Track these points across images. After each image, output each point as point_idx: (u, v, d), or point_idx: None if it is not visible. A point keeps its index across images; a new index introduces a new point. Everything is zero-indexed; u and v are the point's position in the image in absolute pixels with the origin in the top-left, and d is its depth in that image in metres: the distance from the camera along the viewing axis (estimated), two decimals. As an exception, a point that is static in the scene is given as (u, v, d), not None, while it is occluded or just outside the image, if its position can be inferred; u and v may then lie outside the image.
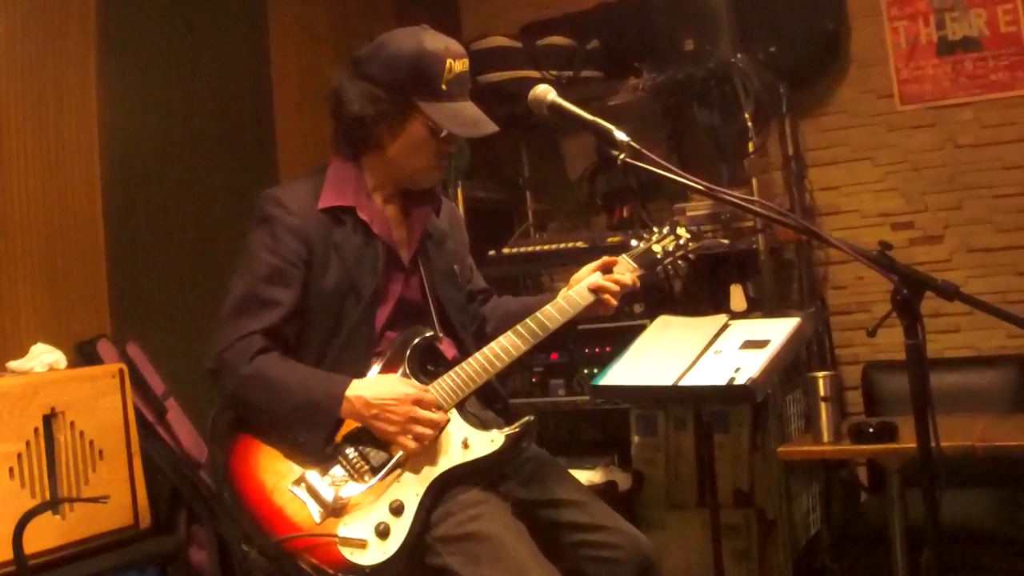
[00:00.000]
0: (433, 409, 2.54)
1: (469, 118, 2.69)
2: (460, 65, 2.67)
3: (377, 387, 2.55)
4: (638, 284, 2.89)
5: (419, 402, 2.53)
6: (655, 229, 3.09)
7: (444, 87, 2.63)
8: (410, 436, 2.50)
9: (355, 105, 2.65)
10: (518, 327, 2.73)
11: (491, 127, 2.71)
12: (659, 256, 3.01)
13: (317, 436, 2.52)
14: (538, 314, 2.76)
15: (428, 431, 2.52)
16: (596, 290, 2.82)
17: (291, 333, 2.66)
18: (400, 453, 2.53)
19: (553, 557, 2.52)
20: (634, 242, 3.05)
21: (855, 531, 4.46)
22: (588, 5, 5.47)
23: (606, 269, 2.87)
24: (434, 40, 2.66)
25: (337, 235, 2.68)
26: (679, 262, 3.10)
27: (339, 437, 2.55)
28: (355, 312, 2.67)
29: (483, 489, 2.57)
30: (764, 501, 4.40)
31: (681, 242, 3.06)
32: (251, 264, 2.65)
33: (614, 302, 2.83)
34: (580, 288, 2.83)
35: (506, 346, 2.70)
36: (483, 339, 2.78)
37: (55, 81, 3.96)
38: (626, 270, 2.89)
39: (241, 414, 2.60)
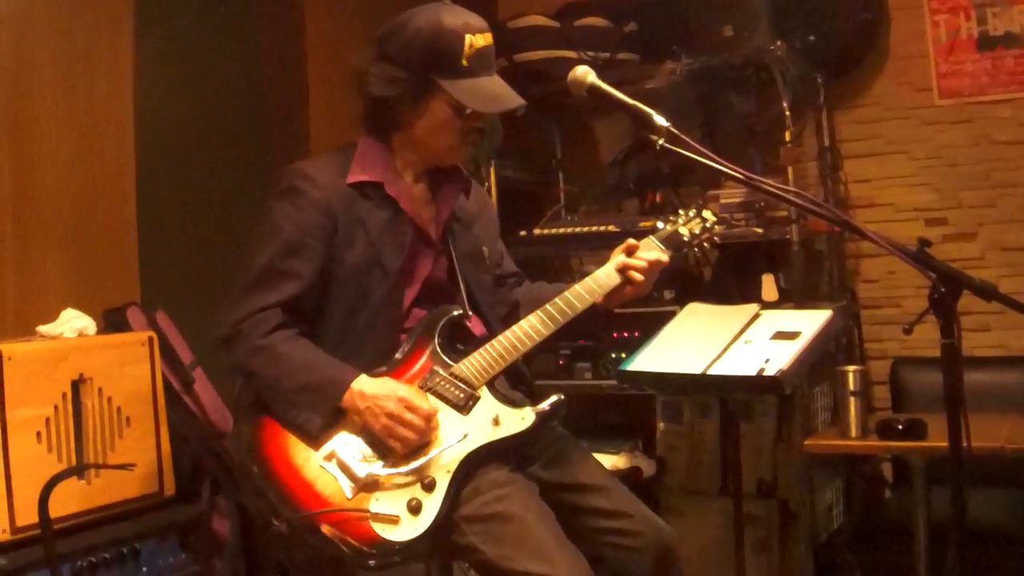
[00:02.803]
0: (420, 415, 2.51)
1: (492, 93, 2.67)
2: (482, 39, 2.64)
3: (376, 384, 2.56)
4: (665, 260, 2.87)
5: (407, 403, 2.51)
6: (681, 212, 3.09)
7: (465, 63, 2.61)
8: (391, 435, 2.50)
9: (377, 87, 2.65)
10: (547, 307, 2.73)
11: (516, 101, 2.69)
12: (686, 239, 3.02)
13: (314, 419, 2.53)
14: (567, 294, 2.77)
15: (409, 434, 2.50)
16: (622, 269, 2.82)
17: (309, 307, 2.67)
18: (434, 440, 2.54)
19: (574, 541, 2.51)
20: (660, 224, 3.04)
21: (877, 526, 4.45)
22: (626, -13, 5.44)
23: (630, 251, 2.86)
24: (453, 16, 2.64)
25: (363, 210, 2.68)
26: (705, 245, 3.09)
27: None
28: (382, 288, 2.68)
29: (511, 470, 2.58)
30: (787, 492, 4.39)
31: (707, 224, 3.08)
32: (272, 235, 2.66)
33: (640, 277, 2.82)
34: (607, 268, 2.84)
35: (536, 325, 2.71)
36: (515, 323, 2.76)
37: (88, 50, 3.95)
38: (653, 249, 2.88)
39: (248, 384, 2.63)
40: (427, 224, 2.77)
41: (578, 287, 2.79)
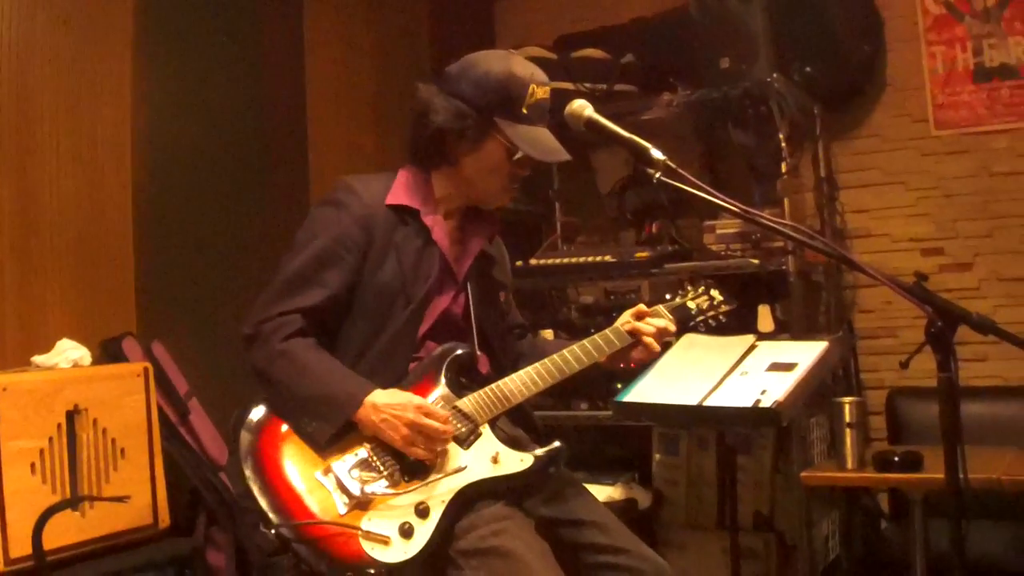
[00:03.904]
0: (439, 420, 2.53)
1: (545, 144, 2.72)
2: (542, 92, 2.71)
3: (389, 395, 2.57)
4: (673, 329, 2.94)
5: (423, 410, 2.53)
6: (689, 288, 3.14)
7: (525, 111, 2.68)
8: (413, 444, 2.51)
9: (440, 117, 2.69)
10: (554, 357, 2.76)
11: (564, 155, 2.74)
12: (692, 312, 3.06)
13: (325, 430, 2.53)
14: (575, 348, 2.80)
15: (431, 442, 2.52)
16: (632, 332, 2.86)
17: (332, 319, 2.70)
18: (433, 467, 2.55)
19: (571, 576, 2.52)
20: (668, 296, 3.08)
21: (874, 558, 4.43)
22: (624, 19, 5.45)
23: (640, 316, 2.90)
24: (521, 65, 2.71)
25: (399, 234, 2.72)
26: (710, 323, 3.13)
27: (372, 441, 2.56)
28: (403, 315, 2.69)
29: (508, 505, 2.58)
30: (784, 525, 4.37)
31: (714, 303, 3.12)
32: (308, 242, 2.69)
33: (656, 346, 2.86)
34: (616, 329, 2.87)
35: (542, 373, 2.73)
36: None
37: (91, 81, 3.98)
38: (663, 317, 2.93)
39: (261, 389, 2.63)
40: (454, 260, 2.80)
41: (587, 343, 2.82)
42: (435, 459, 2.55)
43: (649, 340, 2.85)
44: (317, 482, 2.50)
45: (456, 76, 2.73)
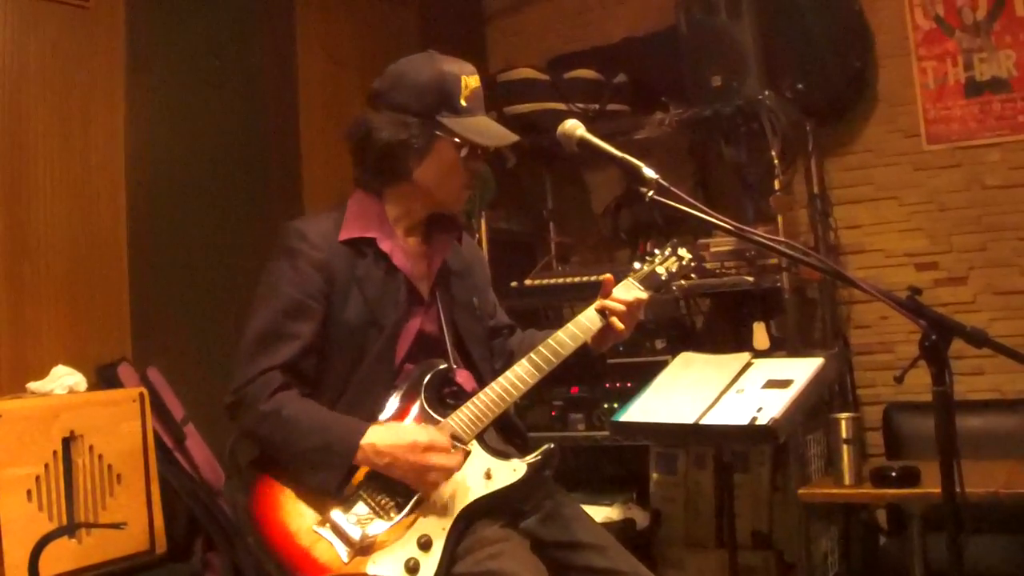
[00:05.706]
0: (447, 451, 2.50)
1: (492, 131, 2.74)
2: (474, 81, 2.74)
3: (387, 435, 2.52)
4: (644, 297, 2.83)
5: (431, 447, 2.49)
6: (657, 252, 3.05)
7: (464, 103, 2.69)
8: (424, 482, 2.49)
9: (384, 133, 2.66)
10: (531, 355, 2.70)
11: (512, 137, 2.77)
12: (664, 278, 2.97)
13: (331, 479, 2.49)
14: (550, 340, 2.73)
15: (439, 477, 2.50)
16: (601, 310, 2.79)
17: (310, 367, 2.64)
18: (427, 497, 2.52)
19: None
20: (637, 264, 3.00)
21: (874, 574, 4.42)
22: (615, 39, 5.48)
23: (606, 293, 2.82)
24: (445, 61, 2.74)
25: (360, 268, 2.67)
26: (683, 283, 3.06)
27: (361, 475, 2.52)
28: (376, 345, 2.65)
29: (504, 526, 2.55)
30: (783, 543, 4.36)
31: (683, 263, 3.04)
32: (272, 297, 2.64)
33: (620, 325, 2.78)
34: (588, 311, 2.80)
35: (521, 374, 2.68)
36: None
37: (83, 105, 3.98)
38: (632, 289, 2.85)
39: (258, 449, 2.59)
40: (419, 279, 2.76)
41: (561, 333, 2.75)
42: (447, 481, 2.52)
43: (617, 316, 2.78)
44: (317, 535, 2.46)
45: (388, 89, 2.72)
